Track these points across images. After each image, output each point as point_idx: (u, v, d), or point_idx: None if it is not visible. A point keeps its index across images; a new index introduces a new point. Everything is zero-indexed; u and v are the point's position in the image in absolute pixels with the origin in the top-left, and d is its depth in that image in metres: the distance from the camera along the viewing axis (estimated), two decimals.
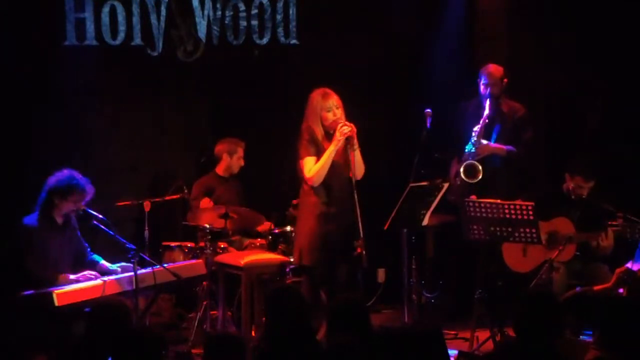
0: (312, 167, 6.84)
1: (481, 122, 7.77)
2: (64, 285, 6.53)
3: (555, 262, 7.06)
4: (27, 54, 8.28)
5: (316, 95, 6.91)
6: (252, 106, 8.90)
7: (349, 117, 6.95)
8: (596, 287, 6.95)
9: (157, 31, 8.75)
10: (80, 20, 8.62)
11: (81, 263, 6.90)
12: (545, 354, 4.58)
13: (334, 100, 6.89)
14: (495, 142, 7.87)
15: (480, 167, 7.70)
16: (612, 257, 7.35)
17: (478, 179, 7.69)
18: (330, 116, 6.87)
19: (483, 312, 7.07)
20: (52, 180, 6.76)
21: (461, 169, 7.72)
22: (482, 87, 7.90)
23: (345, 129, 6.76)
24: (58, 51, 8.52)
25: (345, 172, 6.88)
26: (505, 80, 7.93)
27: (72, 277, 6.65)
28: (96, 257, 7.00)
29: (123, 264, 6.81)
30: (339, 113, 6.89)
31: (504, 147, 7.84)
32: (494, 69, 7.93)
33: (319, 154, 6.88)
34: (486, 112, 7.81)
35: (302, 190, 7.00)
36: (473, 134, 7.76)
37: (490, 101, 7.84)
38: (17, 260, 6.63)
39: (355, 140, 6.80)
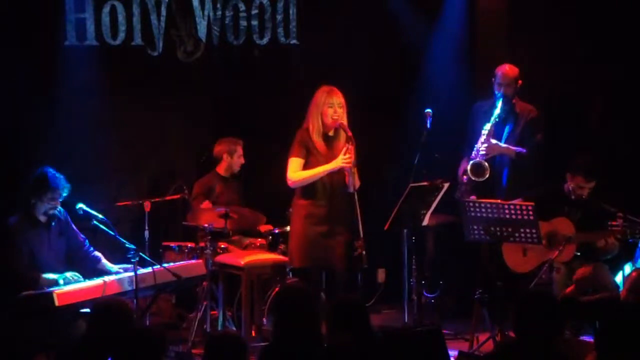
0: (298, 172, 6.89)
1: (492, 120, 7.77)
2: (47, 284, 6.49)
3: (556, 262, 7.07)
4: (27, 54, 8.29)
5: (322, 90, 6.96)
6: (252, 106, 8.91)
7: (349, 117, 6.96)
8: (567, 291, 6.99)
9: (157, 31, 8.76)
10: (81, 20, 8.63)
11: (78, 260, 6.86)
12: (545, 354, 4.59)
13: (338, 99, 6.91)
14: (505, 142, 7.85)
15: (487, 166, 7.70)
16: (612, 257, 7.36)
17: (485, 178, 7.69)
18: (330, 112, 6.89)
19: (483, 312, 7.07)
20: (29, 180, 6.73)
21: (468, 167, 7.72)
22: (495, 87, 7.87)
23: (347, 160, 6.77)
24: (58, 51, 8.53)
25: (340, 175, 6.89)
26: (520, 82, 7.89)
27: (51, 276, 6.58)
28: (98, 254, 6.96)
29: (125, 265, 6.79)
30: (340, 112, 6.91)
31: (514, 148, 7.83)
32: (509, 69, 7.87)
33: (309, 154, 6.90)
34: (497, 111, 7.80)
35: (295, 191, 7.03)
36: (483, 132, 7.76)
37: (502, 101, 7.82)
38: (5, 261, 6.60)
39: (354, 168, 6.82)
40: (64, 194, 6.72)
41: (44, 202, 6.66)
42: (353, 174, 6.83)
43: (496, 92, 7.87)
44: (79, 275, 6.65)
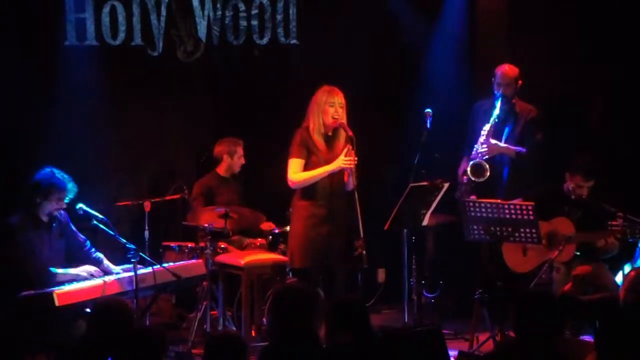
0: (299, 173, 6.88)
1: (491, 121, 7.78)
2: (60, 280, 6.52)
3: (555, 262, 7.07)
4: (27, 54, 8.28)
5: (323, 90, 6.95)
6: (252, 106, 8.91)
7: (349, 117, 6.96)
8: (566, 288, 7.00)
9: (157, 31, 8.76)
10: (81, 20, 8.63)
11: (79, 259, 6.86)
12: (545, 354, 4.59)
13: (339, 98, 6.91)
14: (505, 142, 7.86)
15: (487, 167, 7.70)
16: (612, 257, 7.36)
17: (485, 178, 7.69)
18: (331, 111, 6.88)
19: (483, 312, 7.07)
20: (34, 179, 6.71)
21: (468, 168, 7.72)
22: (495, 87, 7.88)
23: (348, 163, 6.77)
24: (58, 51, 8.53)
25: (340, 175, 6.89)
26: (520, 81, 7.90)
27: (72, 270, 6.61)
28: (100, 255, 6.97)
29: (127, 266, 6.79)
30: (341, 112, 6.91)
31: (514, 147, 7.83)
32: (509, 69, 7.89)
33: (310, 154, 6.90)
34: (496, 112, 7.81)
35: (295, 192, 7.03)
36: (482, 132, 7.77)
37: (502, 101, 7.82)
38: (7, 260, 6.60)
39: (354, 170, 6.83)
40: (71, 196, 6.72)
41: (51, 201, 6.65)
42: (353, 173, 6.83)
43: (496, 92, 7.88)
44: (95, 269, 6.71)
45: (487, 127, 7.77)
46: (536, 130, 7.91)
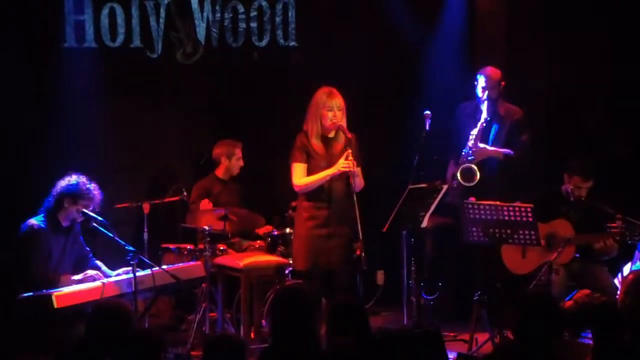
0: (303, 178, 6.91)
1: (479, 125, 7.77)
2: (66, 285, 6.53)
3: (555, 263, 7.06)
4: (26, 55, 8.28)
5: (322, 92, 6.95)
6: (251, 108, 8.91)
7: (349, 118, 6.96)
8: (567, 303, 6.99)
9: (156, 33, 8.75)
10: (80, 22, 8.62)
11: (82, 267, 6.89)
12: (544, 356, 4.58)
13: (337, 101, 6.90)
14: (492, 144, 7.85)
15: (477, 171, 7.69)
16: (611, 259, 7.36)
17: (475, 183, 7.68)
18: (330, 115, 6.89)
19: (482, 314, 7.07)
20: (63, 184, 6.73)
21: (458, 173, 7.71)
22: (479, 90, 7.88)
23: (346, 165, 6.77)
24: (57, 53, 8.52)
25: (340, 177, 6.89)
26: (503, 83, 7.90)
27: (74, 277, 6.65)
28: (98, 263, 6.99)
29: (124, 269, 6.79)
30: (340, 115, 6.91)
31: (502, 150, 7.83)
32: (492, 71, 7.90)
33: (309, 159, 6.91)
34: (484, 115, 7.79)
35: (298, 194, 7.03)
36: (470, 137, 7.76)
37: (487, 104, 7.82)
38: (23, 261, 6.61)
39: (355, 170, 6.82)
40: (96, 203, 6.74)
41: (78, 206, 6.68)
42: (356, 175, 6.83)
43: (480, 95, 7.86)
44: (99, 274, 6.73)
45: (474, 132, 7.75)
46: (522, 132, 7.90)
